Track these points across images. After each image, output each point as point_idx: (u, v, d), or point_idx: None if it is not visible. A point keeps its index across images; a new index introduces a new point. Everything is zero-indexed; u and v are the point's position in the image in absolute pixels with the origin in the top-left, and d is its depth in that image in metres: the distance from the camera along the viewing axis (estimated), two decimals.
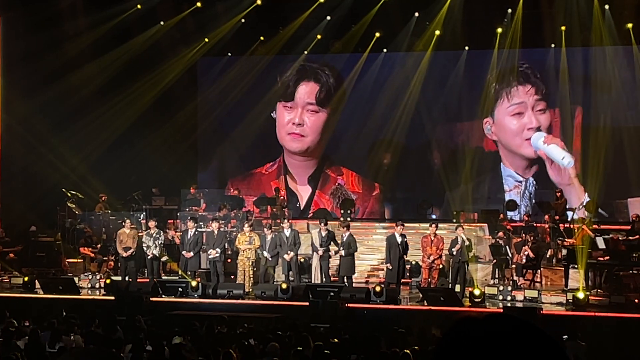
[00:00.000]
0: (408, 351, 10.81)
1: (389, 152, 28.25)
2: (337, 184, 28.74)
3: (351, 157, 28.83)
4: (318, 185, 28.94)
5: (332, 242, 20.43)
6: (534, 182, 27.15)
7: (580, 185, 25.89)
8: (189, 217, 22.32)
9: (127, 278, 20.74)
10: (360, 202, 27.95)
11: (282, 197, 26.77)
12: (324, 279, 20.20)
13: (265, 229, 21.18)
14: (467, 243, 19.75)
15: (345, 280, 20.02)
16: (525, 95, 27.13)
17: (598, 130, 25.54)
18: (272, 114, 29.28)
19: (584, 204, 24.16)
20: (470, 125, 27.66)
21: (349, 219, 24.23)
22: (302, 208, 28.21)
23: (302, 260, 21.31)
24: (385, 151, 28.35)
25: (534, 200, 26.32)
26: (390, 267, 19.60)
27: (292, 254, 20.18)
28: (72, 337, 12.77)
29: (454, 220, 23.39)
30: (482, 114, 27.46)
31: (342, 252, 19.98)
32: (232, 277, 21.14)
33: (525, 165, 27.40)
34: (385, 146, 28.34)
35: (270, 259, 20.42)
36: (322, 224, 20.81)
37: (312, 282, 20.37)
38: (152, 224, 21.42)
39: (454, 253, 19.64)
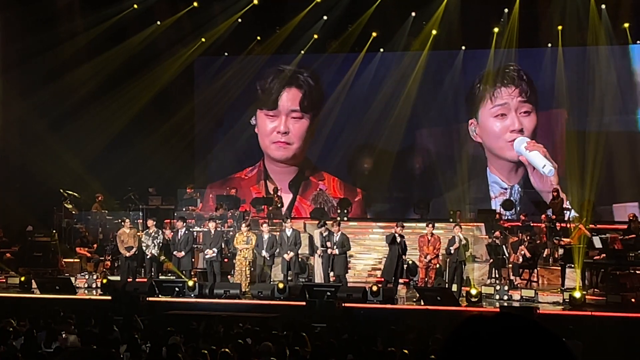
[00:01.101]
0: (405, 351, 10.81)
1: (371, 156, 28.04)
2: (318, 189, 28.23)
3: (333, 162, 28.44)
4: (299, 190, 28.48)
5: (343, 245, 20.34)
6: (520, 189, 26.82)
7: (562, 193, 25.66)
8: (178, 217, 22.37)
9: (128, 278, 20.70)
10: (310, 211, 26.98)
11: (277, 197, 26.60)
12: (325, 279, 20.17)
13: (264, 226, 21.02)
14: (464, 242, 19.75)
15: (337, 279, 20.02)
16: (509, 97, 26.89)
17: (593, 133, 25.45)
18: (250, 121, 29.06)
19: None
20: (465, 126, 27.53)
21: (345, 218, 24.20)
22: (282, 214, 27.40)
23: (300, 259, 21.25)
24: (367, 156, 28.14)
25: (518, 208, 25.90)
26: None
27: (292, 253, 20.15)
28: (68, 337, 12.75)
29: (451, 220, 23.37)
30: (468, 116, 27.35)
31: (336, 251, 19.98)
32: (229, 276, 21.15)
33: (510, 169, 27.05)
34: (367, 150, 28.12)
35: (268, 258, 20.38)
36: (322, 227, 20.76)
37: (314, 281, 20.31)
38: (150, 223, 21.39)
39: (452, 252, 19.64)
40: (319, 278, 20.45)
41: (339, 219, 24.10)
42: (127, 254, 20.98)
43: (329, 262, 20.28)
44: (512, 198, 26.58)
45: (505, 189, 27.04)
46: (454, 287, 19.37)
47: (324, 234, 20.41)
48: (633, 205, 24.66)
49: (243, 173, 29.24)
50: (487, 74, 26.98)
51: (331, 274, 20.48)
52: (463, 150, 27.36)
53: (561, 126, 26.53)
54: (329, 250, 20.13)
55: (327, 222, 21.45)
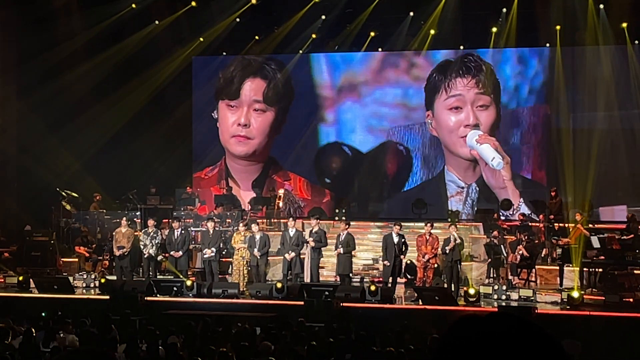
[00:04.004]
0: (403, 350, 10.81)
1: (339, 156, 27.68)
2: (284, 189, 27.02)
3: (299, 161, 27.87)
4: (263, 191, 27.31)
5: (321, 239, 20.26)
6: (477, 189, 26.30)
7: (515, 190, 25.32)
8: (174, 217, 22.36)
9: (122, 277, 20.70)
10: (309, 210, 26.36)
11: (279, 196, 26.43)
12: (313, 278, 20.08)
13: (254, 226, 20.78)
14: (459, 241, 19.73)
15: (341, 279, 20.01)
16: (464, 88, 26.29)
17: (589, 132, 25.40)
18: (212, 114, 28.59)
19: (520, 207, 24.16)
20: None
21: (343, 217, 24.19)
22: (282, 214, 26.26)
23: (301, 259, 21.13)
24: (334, 155, 27.73)
25: (475, 208, 25.48)
26: (388, 264, 19.62)
27: (293, 254, 20.10)
28: (66, 336, 12.75)
29: (449, 220, 23.37)
30: (426, 107, 26.92)
31: (341, 250, 19.96)
32: (227, 275, 21.15)
33: (466, 167, 26.47)
34: (335, 149, 27.70)
35: (259, 257, 20.25)
36: (316, 219, 20.78)
37: (304, 278, 20.26)
38: (150, 222, 21.32)
39: (447, 252, 19.62)
40: (308, 276, 20.36)
41: (336, 217, 24.17)
42: (117, 253, 20.98)
43: (318, 260, 20.25)
44: (469, 198, 26.26)
45: (462, 188, 26.48)
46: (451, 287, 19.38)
47: (314, 230, 20.42)
48: (621, 209, 24.40)
49: (203, 173, 28.62)
50: (442, 63, 26.50)
51: (325, 272, 20.49)
52: (423, 146, 27.01)
53: (547, 123, 26.27)
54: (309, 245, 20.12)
55: (322, 220, 21.45)
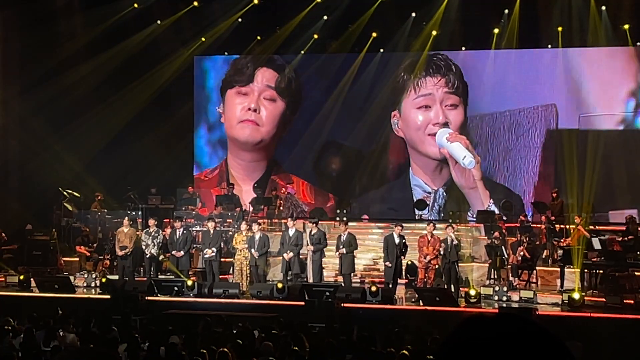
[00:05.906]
0: (404, 351, 10.80)
1: (339, 156, 27.54)
2: (286, 193, 26.79)
3: (302, 163, 27.68)
4: (265, 192, 26.97)
5: (320, 241, 20.24)
6: (444, 194, 26.12)
7: (485, 190, 25.18)
8: (176, 217, 22.37)
9: (124, 277, 20.70)
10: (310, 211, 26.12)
11: (282, 194, 26.36)
12: (314, 279, 20.07)
13: (254, 226, 20.77)
14: (455, 242, 19.71)
15: (344, 278, 20.02)
16: (434, 87, 26.17)
17: (592, 133, 25.36)
18: (218, 109, 28.50)
19: (490, 207, 24.17)
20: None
21: (344, 219, 24.18)
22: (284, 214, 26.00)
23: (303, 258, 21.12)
24: (334, 155, 27.56)
25: (442, 215, 25.21)
26: (390, 265, 19.60)
27: (292, 254, 20.08)
28: (67, 335, 12.75)
29: (450, 221, 23.34)
30: (392, 108, 26.78)
31: (343, 250, 19.95)
32: (229, 275, 21.14)
33: (433, 168, 26.28)
34: (334, 149, 27.53)
35: (257, 257, 20.23)
36: (313, 223, 20.80)
37: (307, 280, 20.26)
38: (151, 222, 21.30)
39: (441, 251, 19.60)
40: (311, 277, 20.35)
41: (337, 218, 24.15)
42: (120, 254, 20.97)
43: (321, 262, 20.25)
44: (436, 204, 26.06)
45: (429, 193, 26.26)
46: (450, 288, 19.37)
47: (313, 232, 20.41)
48: (632, 213, 24.29)
49: (203, 174, 28.47)
50: (412, 63, 26.38)
51: (326, 272, 20.46)
52: (386, 147, 26.88)
53: (548, 124, 26.24)
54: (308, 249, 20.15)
55: (321, 221, 21.44)
